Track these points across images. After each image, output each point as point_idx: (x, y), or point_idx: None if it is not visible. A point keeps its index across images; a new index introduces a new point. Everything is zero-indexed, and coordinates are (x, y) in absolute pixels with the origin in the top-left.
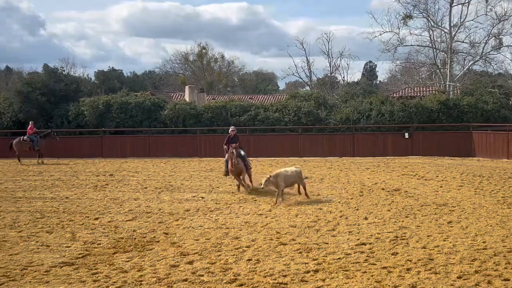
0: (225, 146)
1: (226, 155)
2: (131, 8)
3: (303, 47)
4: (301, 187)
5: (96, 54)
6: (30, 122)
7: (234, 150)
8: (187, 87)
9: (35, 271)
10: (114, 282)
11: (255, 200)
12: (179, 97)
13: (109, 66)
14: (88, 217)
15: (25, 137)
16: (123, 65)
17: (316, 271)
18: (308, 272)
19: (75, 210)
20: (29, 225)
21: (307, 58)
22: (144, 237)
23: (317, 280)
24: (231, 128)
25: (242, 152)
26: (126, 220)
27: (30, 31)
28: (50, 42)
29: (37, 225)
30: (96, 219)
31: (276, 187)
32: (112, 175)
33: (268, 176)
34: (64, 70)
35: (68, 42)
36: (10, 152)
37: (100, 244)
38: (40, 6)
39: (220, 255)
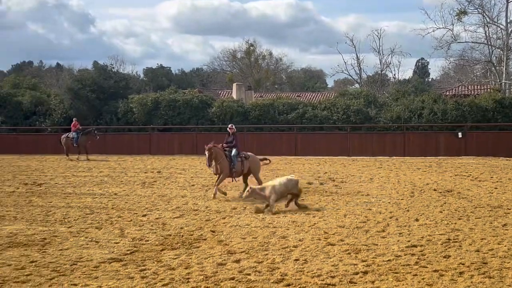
0: (224, 145)
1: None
2: (180, 6)
3: (353, 44)
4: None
5: (145, 51)
6: (73, 119)
7: (207, 152)
8: (234, 85)
9: (85, 267)
10: (161, 279)
11: (302, 199)
12: (226, 94)
13: (157, 64)
14: (136, 213)
15: (71, 134)
16: (172, 63)
17: (365, 272)
18: (357, 273)
19: (124, 206)
20: (79, 220)
21: (356, 55)
22: (191, 235)
23: (366, 282)
24: (229, 126)
25: (233, 152)
26: (174, 217)
27: (80, 28)
28: (100, 40)
29: (87, 220)
30: (144, 216)
31: (266, 199)
32: (160, 172)
33: (250, 187)
34: (113, 67)
35: (117, 39)
36: (60, 148)
37: (148, 240)
38: (90, 3)
39: (267, 254)
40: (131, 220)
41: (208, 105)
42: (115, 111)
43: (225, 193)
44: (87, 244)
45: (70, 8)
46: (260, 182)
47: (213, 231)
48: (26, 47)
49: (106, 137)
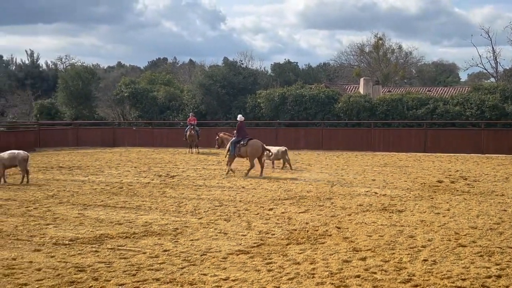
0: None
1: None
2: (308, 1)
3: (488, 36)
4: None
5: (272, 47)
6: (190, 114)
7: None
8: (362, 79)
9: (213, 257)
10: (287, 273)
11: (432, 198)
12: (353, 89)
13: (285, 59)
14: (263, 207)
15: (194, 128)
16: (299, 58)
17: (499, 276)
18: (489, 277)
19: (251, 200)
20: (209, 212)
21: (492, 47)
22: (317, 230)
23: (500, 286)
24: (238, 117)
25: (232, 139)
26: (299, 212)
27: (211, 25)
28: (230, 36)
29: (216, 212)
30: (271, 209)
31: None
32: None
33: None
34: (242, 63)
35: (246, 35)
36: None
37: (274, 234)
38: (221, 1)
39: (394, 253)
40: (257, 214)
41: (334, 100)
42: (243, 106)
43: (233, 171)
44: (216, 235)
45: (202, 6)
46: (251, 165)
47: (339, 228)
48: (161, 44)
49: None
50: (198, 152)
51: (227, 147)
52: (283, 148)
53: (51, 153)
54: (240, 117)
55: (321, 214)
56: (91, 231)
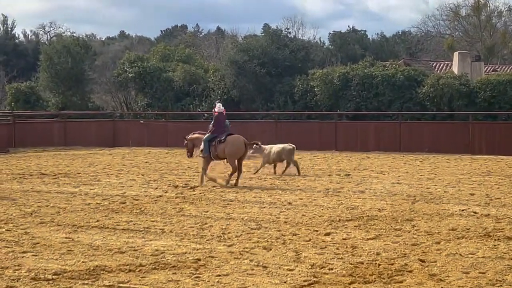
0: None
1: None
2: None
3: None
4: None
5: (331, 9)
6: (216, 102)
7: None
8: (456, 54)
9: None
10: None
11: None
12: (444, 68)
13: (348, 26)
14: (317, 231)
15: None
16: (367, 24)
17: None
18: None
19: (300, 220)
20: (242, 237)
21: None
22: (392, 264)
23: None
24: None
25: (205, 137)
26: (367, 239)
27: None
28: None
29: (252, 238)
30: (327, 234)
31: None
32: (349, 175)
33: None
34: (289, 32)
35: None
36: None
37: (332, 269)
38: None
39: None
40: (309, 240)
41: (417, 83)
42: (290, 91)
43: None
44: (252, 269)
45: None
46: (233, 169)
47: (422, 261)
48: (178, 7)
49: (277, 125)
50: None
51: (201, 147)
52: (289, 146)
53: (30, 155)
54: (219, 106)
55: (398, 241)
56: (82, 261)
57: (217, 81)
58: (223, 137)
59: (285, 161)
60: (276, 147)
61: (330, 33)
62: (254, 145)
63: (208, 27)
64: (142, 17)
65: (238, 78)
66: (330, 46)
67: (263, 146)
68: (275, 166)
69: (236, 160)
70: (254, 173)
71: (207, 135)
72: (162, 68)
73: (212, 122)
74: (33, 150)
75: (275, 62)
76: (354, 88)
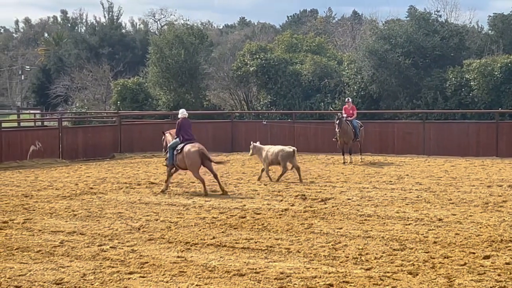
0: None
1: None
2: None
3: None
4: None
5: None
6: (346, 100)
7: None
8: None
9: None
10: None
11: None
12: None
13: None
14: (474, 253)
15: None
16: None
17: None
18: None
19: (453, 240)
20: (382, 260)
21: None
22: None
23: None
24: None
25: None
26: None
27: None
28: None
29: (394, 260)
30: (487, 257)
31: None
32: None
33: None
34: (440, 16)
35: None
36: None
37: None
38: None
39: None
40: (464, 264)
41: None
42: (441, 85)
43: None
44: None
45: None
46: (199, 179)
47: None
48: None
49: (425, 126)
50: (362, 161)
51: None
52: (288, 149)
53: (138, 161)
54: (182, 112)
55: None
56: (196, 285)
57: (353, 74)
58: (179, 148)
59: (285, 165)
60: (274, 148)
61: (489, 16)
62: (254, 145)
63: (343, 11)
64: (265, 1)
65: (377, 70)
66: (490, 31)
67: (262, 146)
68: (267, 171)
69: (197, 171)
70: (258, 180)
71: (173, 141)
72: (288, 60)
73: (176, 129)
74: (141, 155)
75: (423, 52)
76: None
